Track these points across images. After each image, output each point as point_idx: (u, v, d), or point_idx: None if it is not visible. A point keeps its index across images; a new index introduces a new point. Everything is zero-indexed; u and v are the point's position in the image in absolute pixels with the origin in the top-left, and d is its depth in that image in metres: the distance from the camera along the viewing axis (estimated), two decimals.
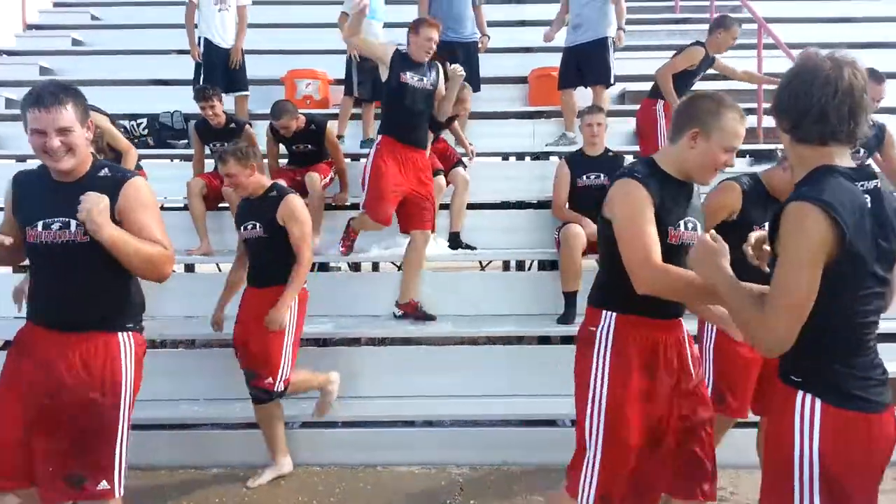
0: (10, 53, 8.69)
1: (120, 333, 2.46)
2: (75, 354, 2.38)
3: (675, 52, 6.11)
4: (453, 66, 4.71)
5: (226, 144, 5.14)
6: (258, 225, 3.87)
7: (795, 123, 1.81)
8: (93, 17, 9.55)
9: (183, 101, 6.73)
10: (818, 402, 1.76)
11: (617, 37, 6.19)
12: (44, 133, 2.26)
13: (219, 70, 6.35)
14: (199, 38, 6.39)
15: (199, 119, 5.69)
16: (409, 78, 4.57)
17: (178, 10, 8.63)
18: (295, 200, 3.86)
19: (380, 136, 4.67)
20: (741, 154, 6.42)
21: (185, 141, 6.67)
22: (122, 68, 8.06)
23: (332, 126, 5.74)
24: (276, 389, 3.80)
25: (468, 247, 5.36)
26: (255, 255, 3.97)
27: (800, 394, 1.80)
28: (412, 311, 4.71)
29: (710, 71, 6.19)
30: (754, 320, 1.77)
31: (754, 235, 2.16)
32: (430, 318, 4.71)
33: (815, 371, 1.79)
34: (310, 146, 5.64)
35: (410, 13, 7.20)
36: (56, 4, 10.11)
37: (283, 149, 5.82)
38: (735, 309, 1.84)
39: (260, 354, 3.79)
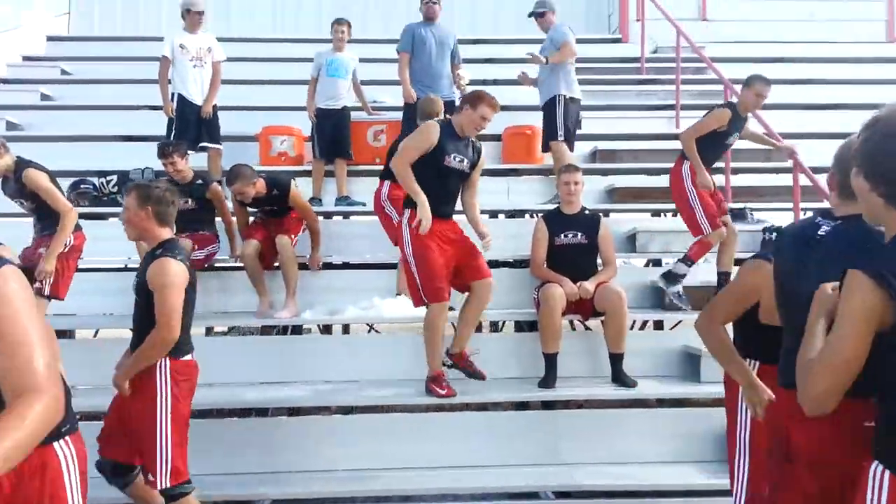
0: None
1: (55, 443, 1.91)
2: (3, 482, 1.83)
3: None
4: (485, 240, 4.50)
5: (189, 202, 5.15)
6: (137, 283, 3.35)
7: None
8: (63, 72, 9.47)
9: (154, 159, 6.63)
10: (887, 474, 1.71)
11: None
12: None
13: (192, 125, 6.29)
14: (173, 93, 6.35)
15: (168, 177, 5.59)
16: (452, 160, 4.29)
17: (149, 65, 8.63)
18: (164, 264, 3.19)
19: (408, 211, 4.29)
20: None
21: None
22: (91, 124, 7.93)
23: (296, 188, 5.47)
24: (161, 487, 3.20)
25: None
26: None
27: (874, 464, 1.75)
28: (462, 362, 4.44)
29: None
30: (804, 369, 1.78)
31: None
32: (480, 376, 4.41)
33: (886, 441, 1.75)
34: (275, 208, 5.49)
35: (386, 71, 7.33)
36: (25, 59, 10.02)
37: None
38: (802, 351, 1.84)
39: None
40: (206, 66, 6.44)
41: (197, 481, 4.03)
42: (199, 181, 5.52)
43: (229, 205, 5.61)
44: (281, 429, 4.41)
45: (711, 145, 5.36)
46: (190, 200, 5.34)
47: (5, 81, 9.21)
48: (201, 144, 6.37)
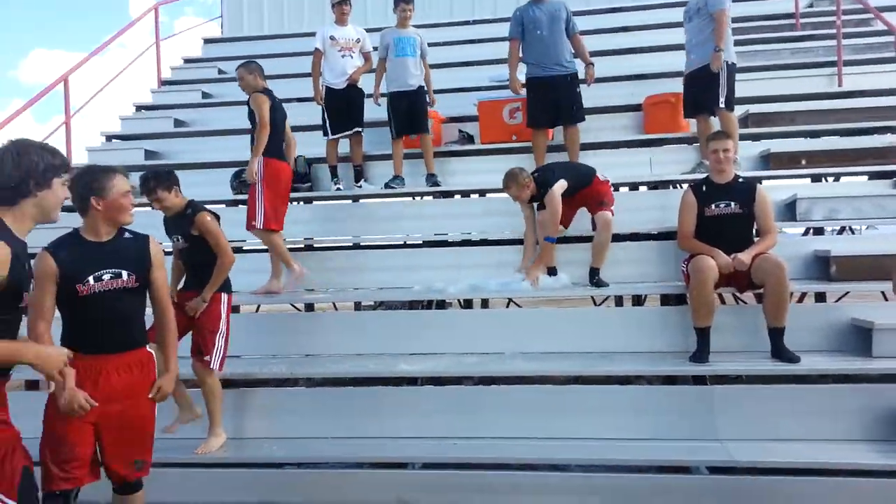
0: (149, 108, 9.42)
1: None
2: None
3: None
4: None
5: (180, 239, 4.33)
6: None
7: None
8: (220, 71, 10.23)
9: (306, 146, 7.04)
10: None
11: (712, 59, 5.91)
12: None
13: (342, 113, 6.67)
14: (323, 84, 6.71)
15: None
16: None
17: (295, 60, 9.13)
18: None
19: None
20: (885, 175, 5.96)
21: (309, 184, 6.96)
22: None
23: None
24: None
25: (601, 283, 5.16)
26: None
27: None
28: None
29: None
30: None
31: None
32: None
33: None
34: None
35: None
36: (186, 60, 10.92)
37: None
38: None
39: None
40: (354, 56, 6.75)
41: (353, 443, 4.31)
42: (189, 210, 4.26)
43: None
44: (428, 396, 4.54)
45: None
46: (180, 238, 4.32)
47: (170, 83, 10.09)
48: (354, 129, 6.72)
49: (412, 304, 5.44)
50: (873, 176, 6.07)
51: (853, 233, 6.42)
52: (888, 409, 4.07)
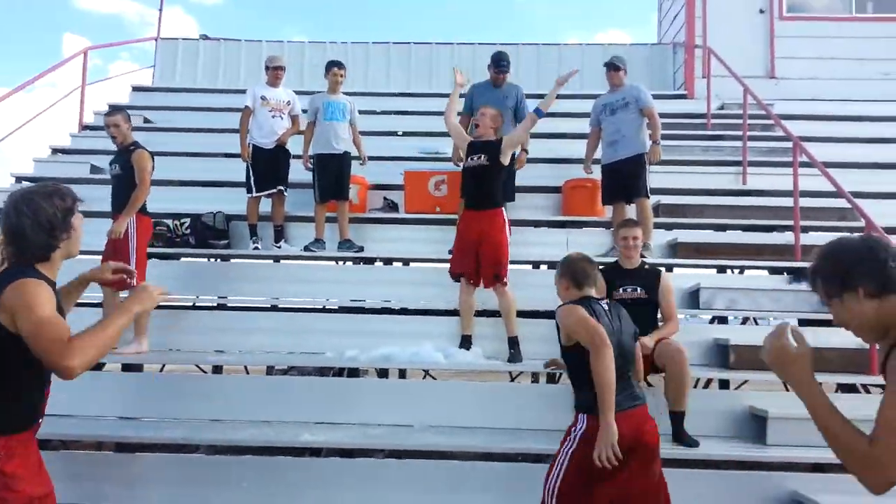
0: (65, 152, 9.12)
1: None
2: None
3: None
4: None
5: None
6: None
7: None
8: (146, 120, 10.04)
9: (227, 203, 6.95)
10: None
11: (652, 152, 6.30)
12: None
13: (266, 172, 6.68)
14: (250, 142, 6.70)
15: None
16: None
17: (226, 115, 9.10)
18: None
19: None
20: (777, 271, 6.33)
21: (226, 241, 6.82)
22: (170, 169, 8.31)
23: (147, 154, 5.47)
24: None
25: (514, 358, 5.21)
26: None
27: None
28: None
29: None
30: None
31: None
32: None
33: None
34: (120, 171, 5.52)
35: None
36: (111, 107, 10.66)
37: None
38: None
39: None
40: (284, 117, 6.79)
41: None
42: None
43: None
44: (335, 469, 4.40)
45: None
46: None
47: (91, 128, 9.81)
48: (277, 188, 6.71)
49: (323, 371, 5.33)
50: (773, 271, 6.45)
51: (757, 323, 6.76)
52: (780, 496, 4.21)
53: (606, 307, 3.32)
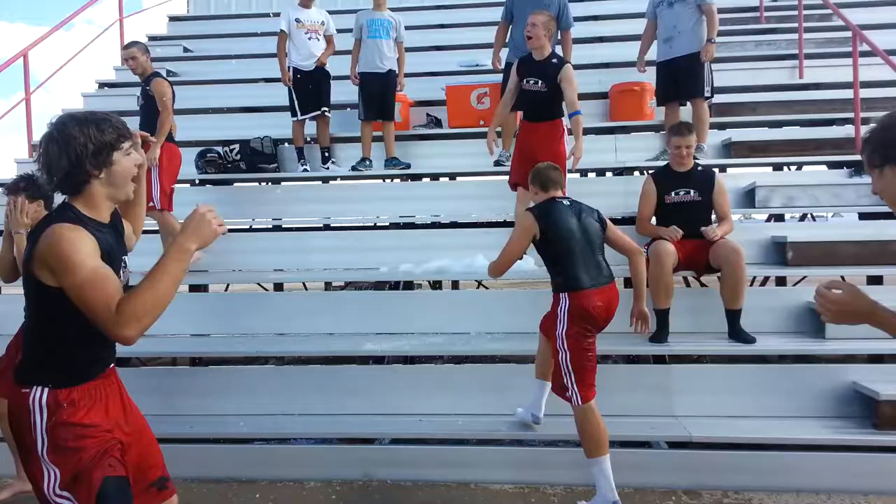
0: (112, 86, 9.24)
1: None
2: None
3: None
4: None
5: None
6: None
7: None
8: (185, 50, 10.06)
9: (273, 128, 7.01)
10: None
11: (705, 50, 6.03)
12: None
13: (310, 94, 6.64)
14: (289, 65, 6.66)
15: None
16: None
17: (263, 41, 9.07)
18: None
19: None
20: (837, 165, 6.14)
21: (275, 165, 6.91)
22: (214, 97, 8.44)
23: (167, 80, 5.61)
24: None
25: None
26: None
27: None
28: None
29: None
30: None
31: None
32: None
33: None
34: (142, 100, 5.68)
35: (486, 35, 7.31)
36: (151, 38, 10.71)
37: None
38: None
39: None
40: (320, 39, 6.72)
41: (321, 420, 4.34)
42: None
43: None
44: (397, 375, 4.59)
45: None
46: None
47: None
48: (321, 110, 6.69)
49: (379, 286, 5.46)
50: (832, 165, 6.26)
51: (814, 220, 6.62)
52: (838, 387, 4.24)
53: (568, 203, 3.80)
